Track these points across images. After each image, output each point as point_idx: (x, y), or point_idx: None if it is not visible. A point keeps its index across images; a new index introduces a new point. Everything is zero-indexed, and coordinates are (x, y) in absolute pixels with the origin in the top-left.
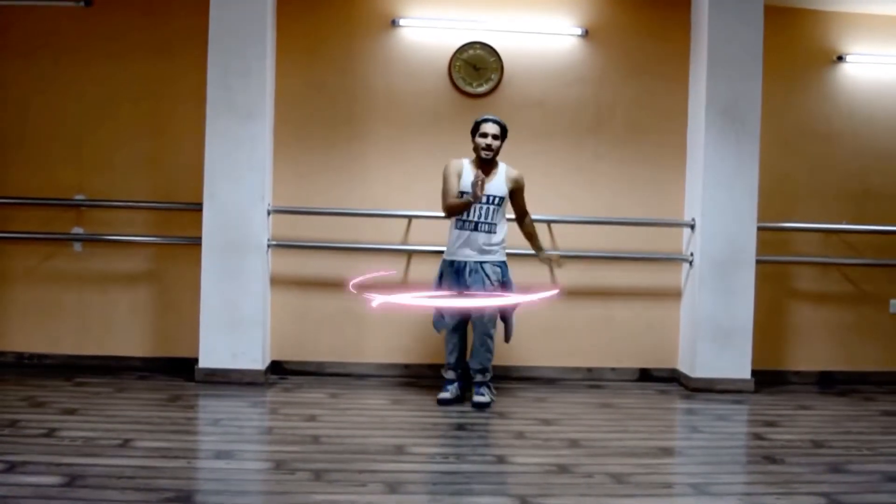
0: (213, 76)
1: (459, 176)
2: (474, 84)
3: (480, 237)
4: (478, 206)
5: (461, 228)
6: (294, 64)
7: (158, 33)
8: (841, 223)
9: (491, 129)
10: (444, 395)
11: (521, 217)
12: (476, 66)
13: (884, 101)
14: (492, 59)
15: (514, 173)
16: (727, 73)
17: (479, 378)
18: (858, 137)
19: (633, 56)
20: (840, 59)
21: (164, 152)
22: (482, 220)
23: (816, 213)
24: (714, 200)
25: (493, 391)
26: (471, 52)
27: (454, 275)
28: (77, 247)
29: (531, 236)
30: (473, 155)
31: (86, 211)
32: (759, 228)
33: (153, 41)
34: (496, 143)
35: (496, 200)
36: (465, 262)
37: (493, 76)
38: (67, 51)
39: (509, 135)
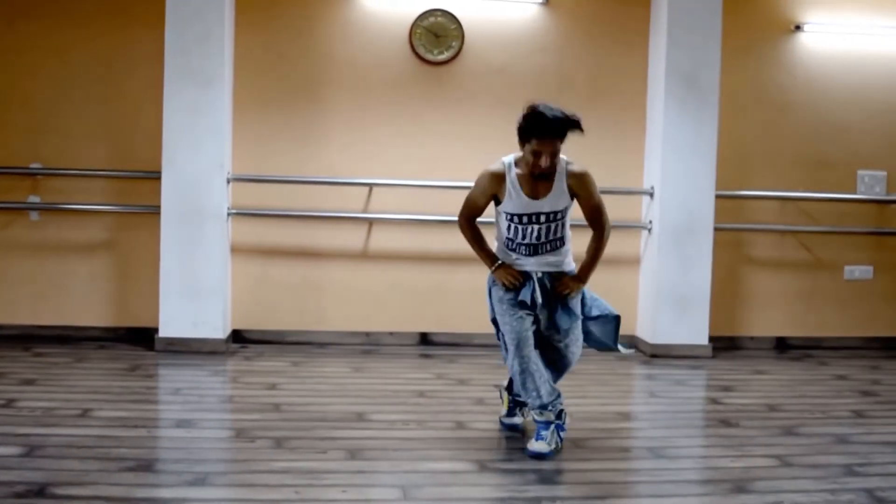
0: (171, 41)
1: (493, 196)
2: (435, 52)
3: (544, 258)
4: (532, 225)
5: (513, 251)
6: (253, 29)
7: None
8: (797, 191)
9: (549, 147)
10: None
11: (590, 224)
12: (437, 34)
13: (840, 71)
14: (452, 27)
15: (577, 170)
16: (687, 41)
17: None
18: (815, 107)
19: (593, 24)
20: (798, 28)
21: (122, 119)
22: (543, 240)
23: (773, 181)
24: (673, 168)
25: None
26: (431, 19)
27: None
28: (34, 216)
29: (588, 258)
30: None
31: (42, 179)
32: (717, 196)
33: (109, 5)
34: (557, 159)
35: (557, 215)
36: (532, 275)
37: (453, 44)
38: (20, 16)
39: (474, 101)
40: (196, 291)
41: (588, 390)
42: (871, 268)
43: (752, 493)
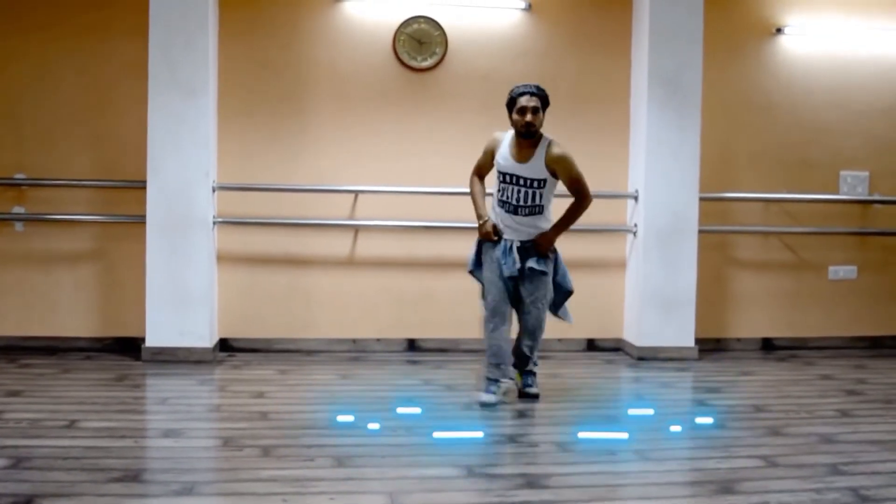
0: (155, 51)
1: (493, 154)
2: (419, 58)
3: (525, 220)
4: (515, 186)
5: (504, 210)
6: (237, 38)
7: (99, 7)
8: (781, 192)
9: (529, 102)
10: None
11: (573, 196)
12: (420, 41)
13: (821, 73)
14: (436, 34)
15: (555, 153)
16: (669, 45)
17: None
18: (797, 109)
19: (576, 29)
20: (779, 31)
21: (107, 129)
22: (523, 203)
23: (757, 183)
24: (657, 172)
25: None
26: (415, 26)
27: (499, 251)
28: (19, 226)
29: (560, 219)
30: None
31: (27, 190)
32: (701, 199)
33: (92, 16)
34: (537, 118)
35: (535, 184)
36: (511, 241)
37: (437, 50)
38: (3, 26)
39: (458, 107)
40: (182, 300)
41: (574, 394)
42: (854, 268)
43: (739, 494)
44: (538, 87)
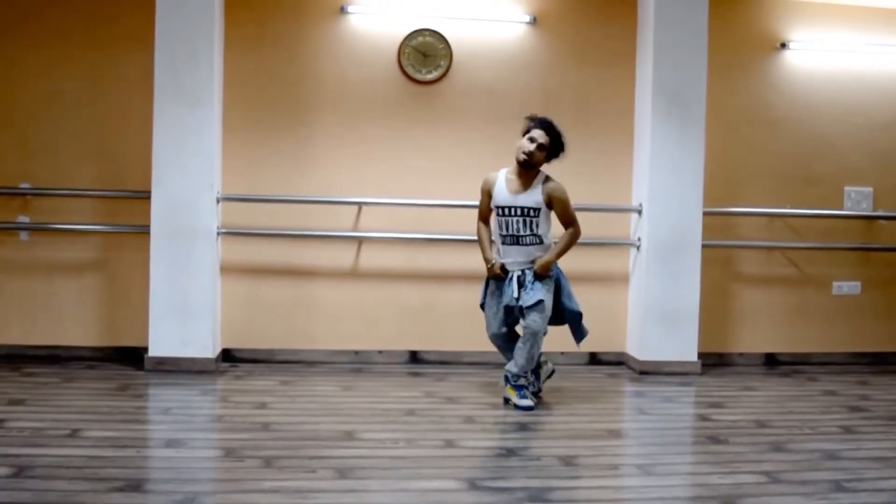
0: (160, 61)
1: (490, 193)
2: (423, 71)
3: (527, 249)
4: (513, 217)
5: (505, 243)
6: (242, 50)
7: (104, 18)
8: (784, 207)
9: (540, 136)
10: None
11: (564, 227)
12: (425, 53)
13: (825, 88)
14: (441, 46)
15: (551, 185)
16: (673, 59)
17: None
18: (800, 124)
19: (580, 43)
20: (783, 45)
21: (111, 139)
22: (523, 233)
23: (760, 197)
24: (660, 186)
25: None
26: (420, 38)
27: (505, 285)
28: (23, 236)
29: (555, 247)
30: (514, 162)
31: (31, 199)
32: (704, 213)
33: (98, 25)
34: (538, 155)
35: (531, 212)
36: (513, 273)
37: (442, 63)
38: (8, 36)
39: (462, 120)
40: (186, 311)
41: (577, 407)
42: (858, 283)
43: None
44: (555, 128)
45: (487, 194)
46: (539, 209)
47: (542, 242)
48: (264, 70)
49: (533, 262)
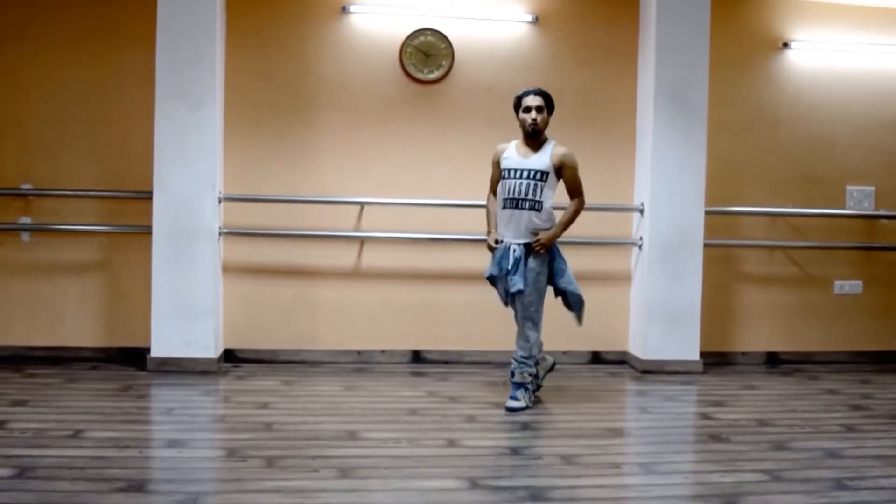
0: (162, 62)
1: (498, 164)
2: (425, 70)
3: (524, 216)
4: (518, 180)
5: (505, 207)
6: (244, 50)
7: (106, 18)
8: (786, 206)
9: (534, 101)
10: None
11: (570, 196)
12: (427, 53)
13: (827, 87)
14: (443, 46)
15: (561, 150)
16: (675, 59)
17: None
18: (803, 123)
19: (582, 43)
20: (786, 45)
21: (113, 140)
22: (524, 196)
23: (762, 197)
24: (663, 185)
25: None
26: (422, 38)
27: (498, 256)
28: (25, 237)
29: (559, 220)
30: (521, 135)
31: (33, 200)
32: (706, 212)
33: (100, 26)
34: (542, 116)
35: (538, 175)
36: (509, 245)
37: (444, 62)
38: (10, 38)
39: (464, 119)
40: (188, 311)
41: (579, 406)
42: (860, 282)
43: None
44: (542, 90)
45: (497, 165)
46: (547, 173)
47: (540, 210)
48: (266, 70)
49: (529, 241)
